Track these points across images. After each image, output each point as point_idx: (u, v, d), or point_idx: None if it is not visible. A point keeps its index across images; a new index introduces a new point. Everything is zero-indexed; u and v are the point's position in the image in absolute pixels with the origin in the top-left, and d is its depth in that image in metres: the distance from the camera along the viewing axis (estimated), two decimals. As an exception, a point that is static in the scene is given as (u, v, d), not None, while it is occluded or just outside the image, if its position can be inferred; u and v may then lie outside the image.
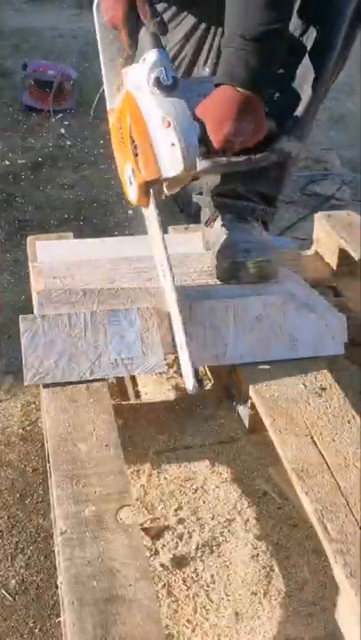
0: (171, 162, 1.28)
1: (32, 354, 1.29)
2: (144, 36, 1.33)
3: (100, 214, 2.44)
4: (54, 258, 1.65)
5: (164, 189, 1.36)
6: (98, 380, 1.29)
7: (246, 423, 1.37)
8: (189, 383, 1.22)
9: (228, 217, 1.54)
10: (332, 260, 1.82)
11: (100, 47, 1.44)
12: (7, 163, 2.89)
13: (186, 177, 1.33)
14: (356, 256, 1.75)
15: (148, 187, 1.36)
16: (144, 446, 1.37)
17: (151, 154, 1.31)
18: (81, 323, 1.31)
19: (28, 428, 1.65)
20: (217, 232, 1.54)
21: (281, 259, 1.53)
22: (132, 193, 1.42)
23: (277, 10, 1.24)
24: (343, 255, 1.79)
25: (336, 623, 1.04)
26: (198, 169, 1.28)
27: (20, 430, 1.65)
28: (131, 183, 1.41)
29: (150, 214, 1.42)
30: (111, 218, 2.41)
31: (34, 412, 1.70)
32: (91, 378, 1.27)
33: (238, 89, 1.25)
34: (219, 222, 1.55)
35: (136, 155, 1.35)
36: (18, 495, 1.48)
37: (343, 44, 1.41)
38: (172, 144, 1.26)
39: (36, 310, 1.43)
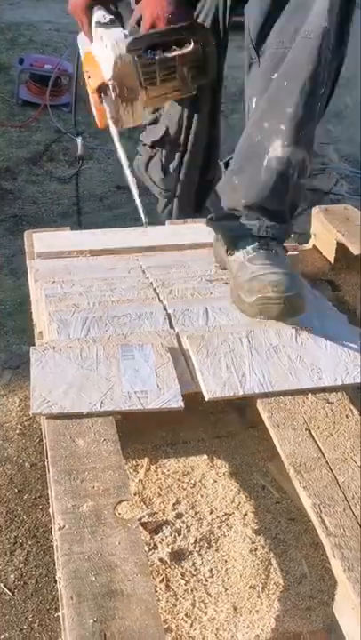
0: (106, 61, 1.47)
1: (40, 383, 1.22)
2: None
3: (96, 208, 2.44)
4: (52, 249, 1.65)
5: (115, 98, 1.47)
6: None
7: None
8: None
9: (250, 244, 1.43)
10: (330, 254, 1.82)
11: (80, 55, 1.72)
12: (3, 157, 2.88)
13: (128, 76, 1.46)
14: (353, 250, 1.75)
15: (100, 96, 1.51)
16: (142, 441, 1.37)
17: (96, 67, 1.52)
18: (93, 356, 1.27)
19: (26, 423, 1.65)
20: (239, 261, 1.43)
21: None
22: (96, 117, 1.60)
23: None
24: (341, 249, 1.79)
25: (334, 617, 1.04)
26: (127, 49, 1.44)
27: (19, 425, 1.65)
28: (93, 107, 1.60)
29: (112, 132, 1.52)
30: (108, 212, 2.40)
31: (32, 408, 1.70)
32: (101, 410, 1.20)
33: None
34: (240, 251, 1.44)
35: (89, 78, 1.57)
36: (16, 490, 1.48)
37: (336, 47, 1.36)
38: (105, 46, 1.48)
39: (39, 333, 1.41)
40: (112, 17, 1.54)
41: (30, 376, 1.25)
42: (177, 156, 1.81)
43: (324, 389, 1.28)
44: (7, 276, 2.20)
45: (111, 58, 1.45)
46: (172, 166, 1.83)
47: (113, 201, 2.52)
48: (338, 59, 1.39)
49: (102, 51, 1.49)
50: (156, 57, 1.48)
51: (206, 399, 1.24)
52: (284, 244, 1.49)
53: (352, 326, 1.44)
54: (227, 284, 1.52)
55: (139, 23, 1.54)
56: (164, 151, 1.81)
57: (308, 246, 1.90)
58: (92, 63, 1.56)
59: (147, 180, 1.89)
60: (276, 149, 1.34)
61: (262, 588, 1.11)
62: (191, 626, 1.06)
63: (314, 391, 1.27)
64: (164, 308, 1.44)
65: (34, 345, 1.50)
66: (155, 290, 1.50)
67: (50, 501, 1.13)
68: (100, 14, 1.56)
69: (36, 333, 1.45)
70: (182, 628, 1.05)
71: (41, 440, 1.53)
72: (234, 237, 1.46)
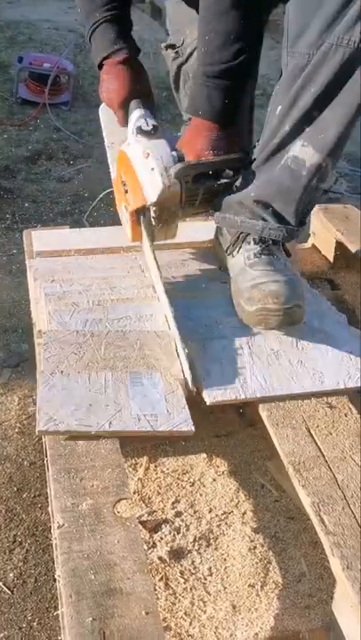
0: (151, 185, 1.42)
1: (47, 403, 1.20)
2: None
3: (96, 207, 2.44)
4: (51, 248, 1.66)
5: (153, 220, 1.46)
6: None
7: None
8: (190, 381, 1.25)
9: (252, 249, 1.41)
10: (329, 253, 1.82)
11: (105, 137, 1.66)
12: (2, 156, 2.88)
13: (170, 201, 1.43)
14: (353, 249, 1.75)
15: (137, 216, 1.48)
16: (141, 440, 1.38)
17: (137, 185, 1.46)
18: (101, 381, 1.25)
19: (25, 421, 1.65)
20: (239, 264, 1.43)
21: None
22: (127, 230, 1.55)
23: (235, 47, 1.31)
24: (340, 248, 1.79)
25: (333, 615, 1.04)
26: (175, 176, 1.40)
27: (18, 424, 1.65)
28: (126, 221, 1.55)
29: (145, 248, 1.52)
30: (108, 211, 2.40)
31: (31, 406, 1.70)
32: (110, 430, 1.16)
33: (204, 120, 1.38)
34: (241, 254, 1.43)
35: (126, 192, 1.51)
36: (15, 489, 1.48)
37: None
38: (152, 168, 1.42)
39: (38, 341, 1.39)
40: (155, 123, 1.48)
41: (37, 397, 1.23)
42: None
43: (326, 394, 1.27)
44: (6, 274, 2.20)
45: (159, 186, 1.41)
46: None
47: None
48: None
49: (147, 171, 1.43)
50: (204, 185, 1.44)
51: (208, 404, 1.24)
52: (286, 246, 1.47)
53: (352, 328, 1.44)
54: (224, 282, 1.52)
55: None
56: None
57: (308, 245, 1.90)
58: (130, 177, 1.48)
59: None
60: (296, 149, 1.32)
61: (261, 587, 1.11)
62: (190, 624, 1.06)
63: (316, 395, 1.27)
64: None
65: (33, 344, 1.50)
66: (154, 289, 1.50)
67: (49, 500, 1.13)
68: (139, 115, 1.51)
69: (35, 332, 1.45)
70: (181, 627, 1.05)
71: (40, 439, 1.53)
72: (236, 236, 1.45)
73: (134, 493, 1.20)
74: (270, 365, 1.31)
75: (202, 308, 1.44)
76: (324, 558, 1.08)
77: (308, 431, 1.20)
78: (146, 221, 1.48)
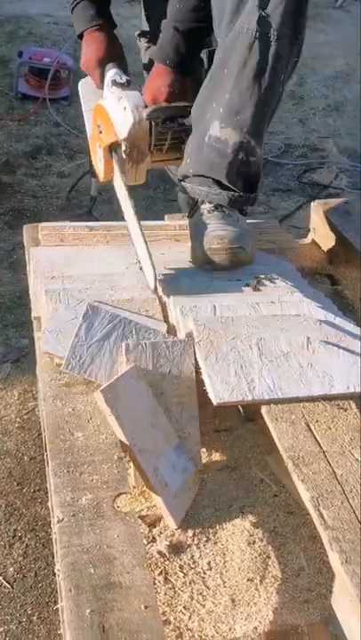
0: (123, 121, 1.57)
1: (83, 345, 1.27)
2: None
3: (96, 202, 2.43)
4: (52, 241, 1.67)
5: (124, 155, 1.58)
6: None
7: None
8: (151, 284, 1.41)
9: (206, 207, 1.56)
10: (329, 249, 1.82)
11: (82, 104, 1.83)
12: (2, 151, 2.87)
13: (140, 139, 1.56)
14: (353, 244, 1.75)
15: (110, 153, 1.61)
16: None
17: (110, 123, 1.60)
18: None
19: (25, 416, 1.65)
20: (195, 222, 1.58)
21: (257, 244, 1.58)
22: (100, 169, 1.68)
23: (202, 13, 1.55)
24: (340, 243, 1.79)
25: (332, 609, 1.04)
26: (145, 115, 1.55)
27: (18, 419, 1.65)
28: (99, 159, 1.67)
29: (117, 183, 1.62)
30: (107, 206, 2.40)
31: (31, 401, 1.70)
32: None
33: (165, 66, 1.59)
34: (198, 213, 1.58)
35: (100, 132, 1.64)
36: (15, 483, 1.48)
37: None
38: (124, 107, 1.58)
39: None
40: (128, 78, 1.66)
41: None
42: None
43: (335, 397, 1.26)
44: (6, 269, 2.20)
45: (130, 121, 1.55)
46: None
47: (112, 195, 2.52)
48: (287, 52, 1.43)
49: (120, 111, 1.58)
50: (172, 128, 1.58)
51: (215, 404, 1.23)
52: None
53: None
54: (230, 280, 1.51)
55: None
56: None
57: (308, 240, 1.90)
58: (104, 118, 1.62)
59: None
60: (215, 129, 1.48)
61: (260, 581, 1.11)
62: (189, 618, 1.06)
63: (325, 399, 1.25)
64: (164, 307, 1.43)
65: (33, 339, 1.50)
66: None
67: (49, 494, 1.13)
68: (114, 72, 1.68)
69: (35, 324, 1.46)
70: (180, 621, 1.06)
71: (40, 433, 1.53)
72: (194, 201, 1.59)
73: (134, 488, 1.20)
74: (279, 367, 1.29)
75: (210, 303, 1.44)
76: (323, 552, 1.08)
77: (308, 426, 1.20)
78: (118, 157, 1.60)
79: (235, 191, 1.54)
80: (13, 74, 3.33)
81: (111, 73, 1.69)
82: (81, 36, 1.80)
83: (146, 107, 1.58)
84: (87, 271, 1.54)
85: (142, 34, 1.96)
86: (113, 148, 1.60)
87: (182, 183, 1.60)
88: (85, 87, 1.82)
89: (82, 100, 1.84)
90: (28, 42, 3.78)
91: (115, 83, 1.64)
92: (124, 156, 1.58)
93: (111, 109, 1.61)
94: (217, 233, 1.50)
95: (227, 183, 1.52)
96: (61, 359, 1.28)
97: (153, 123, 1.56)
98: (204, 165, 1.53)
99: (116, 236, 1.70)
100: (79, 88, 1.85)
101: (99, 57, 1.75)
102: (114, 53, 1.75)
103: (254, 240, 1.60)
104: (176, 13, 1.58)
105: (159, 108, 1.56)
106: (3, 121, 3.08)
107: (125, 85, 1.63)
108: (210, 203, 1.56)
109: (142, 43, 1.98)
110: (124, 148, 1.57)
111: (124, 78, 1.65)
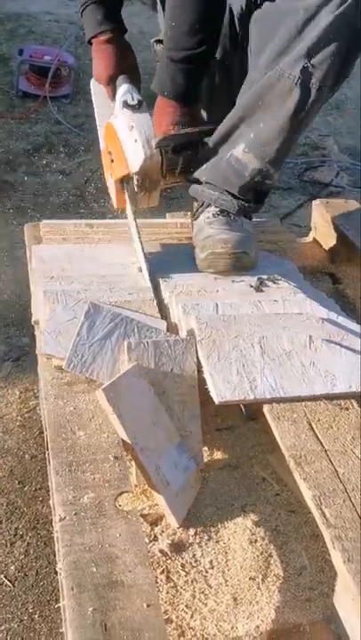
0: (135, 155, 1.55)
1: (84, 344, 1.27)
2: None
3: (96, 201, 2.43)
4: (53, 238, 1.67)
5: (135, 188, 1.57)
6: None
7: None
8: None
9: (212, 210, 1.57)
10: (331, 248, 1.81)
11: (95, 108, 1.78)
12: (3, 149, 2.87)
13: (152, 170, 1.55)
14: (354, 243, 1.75)
15: (122, 184, 1.62)
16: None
17: (122, 155, 1.58)
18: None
19: (26, 415, 1.65)
20: (200, 225, 1.59)
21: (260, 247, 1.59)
22: (112, 197, 1.68)
23: (198, 37, 1.43)
24: (341, 242, 1.79)
25: (334, 608, 1.04)
26: (156, 146, 1.53)
27: (19, 417, 1.65)
28: (111, 187, 1.67)
29: (128, 213, 1.64)
30: (108, 204, 2.39)
31: (32, 399, 1.70)
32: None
33: (167, 99, 1.52)
34: (203, 216, 1.59)
35: (112, 161, 1.63)
36: (16, 482, 1.48)
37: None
38: (135, 140, 1.55)
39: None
40: (139, 98, 1.61)
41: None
42: None
43: (337, 397, 1.26)
44: (7, 267, 2.19)
45: (141, 156, 1.54)
46: None
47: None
48: (325, 97, 1.43)
49: (131, 143, 1.56)
50: (182, 155, 1.57)
51: (216, 403, 1.23)
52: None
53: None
54: (234, 282, 1.51)
55: None
56: None
57: (309, 239, 1.90)
58: (116, 148, 1.60)
59: None
60: (239, 151, 1.48)
61: (262, 580, 1.11)
62: (191, 617, 1.06)
63: (327, 398, 1.25)
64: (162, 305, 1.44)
65: (33, 337, 1.50)
66: (154, 290, 1.49)
67: (50, 493, 1.13)
68: (125, 90, 1.63)
69: (33, 321, 1.45)
70: (183, 619, 1.06)
71: (41, 432, 1.53)
72: (200, 203, 1.60)
73: (135, 486, 1.20)
74: (282, 366, 1.28)
75: (212, 302, 1.44)
76: (325, 551, 1.08)
77: (310, 425, 1.20)
78: (129, 189, 1.61)
79: (244, 201, 1.55)
80: (14, 72, 3.32)
81: (122, 90, 1.63)
82: (90, 41, 1.71)
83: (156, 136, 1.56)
84: (86, 272, 1.54)
85: (159, 41, 1.84)
86: (126, 180, 1.60)
87: (193, 185, 1.60)
88: (98, 93, 1.77)
89: (95, 107, 1.80)
90: (29, 40, 3.77)
91: (126, 104, 1.60)
92: (135, 188, 1.58)
93: (123, 138, 1.58)
94: (221, 237, 1.52)
95: (238, 196, 1.54)
96: (61, 360, 1.28)
97: (163, 151, 1.54)
98: (219, 178, 1.54)
99: (117, 234, 1.70)
100: (91, 88, 1.79)
101: (109, 74, 1.68)
102: (125, 65, 1.68)
103: (256, 241, 1.60)
104: (168, 41, 1.47)
105: (168, 137, 1.54)
106: (3, 119, 3.08)
107: (136, 108, 1.59)
108: (216, 207, 1.56)
109: (159, 48, 1.87)
110: (135, 181, 1.57)
111: (136, 99, 1.60)
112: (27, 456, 1.54)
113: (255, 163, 1.47)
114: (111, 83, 1.67)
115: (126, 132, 1.57)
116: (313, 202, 1.94)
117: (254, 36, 1.48)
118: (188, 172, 1.60)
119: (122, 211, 1.69)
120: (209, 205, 1.58)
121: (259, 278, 1.51)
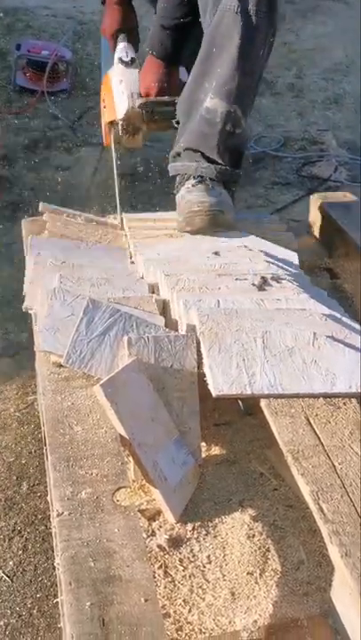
0: (120, 105, 1.89)
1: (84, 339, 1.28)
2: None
3: (94, 196, 2.43)
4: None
5: (121, 131, 1.90)
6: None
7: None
8: None
9: (191, 182, 1.70)
10: (329, 243, 1.81)
11: (101, 61, 2.27)
12: (0, 144, 2.86)
13: (134, 119, 1.87)
14: (352, 238, 1.74)
15: (110, 127, 1.96)
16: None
17: (112, 103, 1.94)
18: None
19: (24, 410, 1.65)
20: (181, 194, 1.71)
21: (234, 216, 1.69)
22: (103, 136, 2.04)
23: (186, 9, 1.76)
24: (339, 237, 1.78)
25: (332, 602, 1.05)
26: (137, 105, 1.85)
27: (17, 413, 1.65)
28: (103, 128, 2.03)
29: (112, 151, 1.99)
30: (107, 199, 2.39)
31: (30, 395, 1.70)
32: None
33: (156, 58, 1.85)
34: (184, 188, 1.71)
35: (104, 107, 2.00)
36: (15, 478, 1.48)
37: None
38: (122, 92, 1.90)
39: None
40: (133, 56, 1.95)
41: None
42: None
43: (336, 396, 1.24)
44: (4, 263, 2.19)
45: (125, 106, 1.87)
46: None
47: (111, 187, 2.52)
48: (264, 27, 1.60)
49: (119, 92, 1.90)
50: (161, 112, 1.85)
51: (213, 395, 1.22)
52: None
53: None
54: (238, 279, 1.50)
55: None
56: None
57: (307, 234, 1.90)
58: (108, 94, 1.95)
59: None
60: (206, 101, 1.65)
61: (260, 574, 1.12)
62: (189, 611, 1.06)
63: (326, 397, 1.24)
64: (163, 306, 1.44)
65: (31, 333, 1.50)
66: (153, 289, 1.50)
67: (48, 488, 1.13)
68: (122, 47, 1.99)
69: (32, 314, 1.45)
70: (180, 614, 1.06)
71: (39, 428, 1.53)
72: (180, 178, 1.74)
73: (133, 482, 1.20)
74: (282, 362, 1.27)
75: (214, 298, 1.43)
76: (323, 546, 1.08)
77: (308, 420, 1.20)
78: (115, 132, 1.95)
79: (221, 165, 1.69)
80: (11, 67, 3.31)
81: (120, 47, 1.97)
82: (104, 1, 2.09)
83: (140, 95, 1.86)
84: (84, 268, 1.53)
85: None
86: (113, 124, 1.93)
87: (173, 164, 1.76)
88: (105, 48, 2.16)
89: (101, 59, 2.19)
90: (27, 34, 3.76)
91: (120, 60, 1.93)
92: (120, 132, 1.91)
93: (114, 89, 1.90)
94: (199, 199, 1.66)
95: (215, 157, 1.68)
96: (59, 357, 1.28)
97: (144, 110, 1.85)
98: (195, 137, 1.69)
99: (116, 231, 1.70)
100: (101, 42, 2.23)
101: (113, 28, 2.03)
102: (127, 25, 2.02)
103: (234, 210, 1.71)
104: (162, 11, 1.79)
105: (149, 102, 1.85)
106: (1, 114, 3.07)
107: (129, 64, 1.92)
108: (194, 178, 1.69)
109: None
110: (120, 125, 1.89)
111: (129, 57, 1.93)
112: (24, 452, 1.54)
113: (222, 106, 1.63)
114: (113, 38, 2.03)
115: (117, 85, 1.91)
116: (311, 197, 1.94)
117: (199, 0, 1.69)
118: (169, 120, 1.82)
119: (108, 145, 2.03)
120: (189, 179, 1.71)
121: (262, 277, 1.50)
